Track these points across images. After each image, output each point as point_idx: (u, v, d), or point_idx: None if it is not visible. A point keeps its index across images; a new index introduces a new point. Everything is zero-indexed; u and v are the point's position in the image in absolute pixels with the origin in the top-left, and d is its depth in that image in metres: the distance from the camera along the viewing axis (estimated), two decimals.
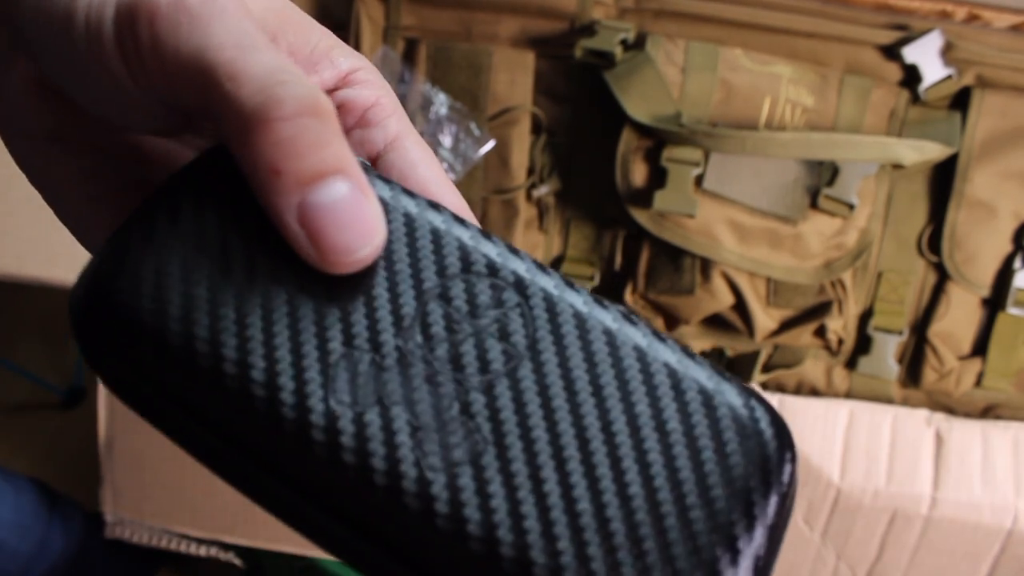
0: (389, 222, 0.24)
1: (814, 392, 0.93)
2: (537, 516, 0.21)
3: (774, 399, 0.87)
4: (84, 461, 1.02)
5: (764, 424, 0.22)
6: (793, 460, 0.22)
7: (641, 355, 0.23)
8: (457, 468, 0.21)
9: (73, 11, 0.24)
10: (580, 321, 0.23)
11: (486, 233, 0.24)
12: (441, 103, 0.90)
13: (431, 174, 0.28)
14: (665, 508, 0.21)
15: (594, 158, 0.90)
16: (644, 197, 0.87)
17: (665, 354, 0.23)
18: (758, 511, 0.21)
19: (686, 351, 0.23)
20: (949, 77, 0.86)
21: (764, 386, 0.91)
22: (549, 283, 0.24)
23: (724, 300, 0.90)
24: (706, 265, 0.89)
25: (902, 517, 0.84)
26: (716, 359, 0.93)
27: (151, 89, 0.24)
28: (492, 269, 0.23)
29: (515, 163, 0.90)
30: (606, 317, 0.23)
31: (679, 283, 0.90)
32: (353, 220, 0.22)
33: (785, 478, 0.22)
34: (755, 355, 0.90)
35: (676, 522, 0.21)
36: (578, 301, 0.23)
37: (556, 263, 0.94)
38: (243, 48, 0.23)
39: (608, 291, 0.93)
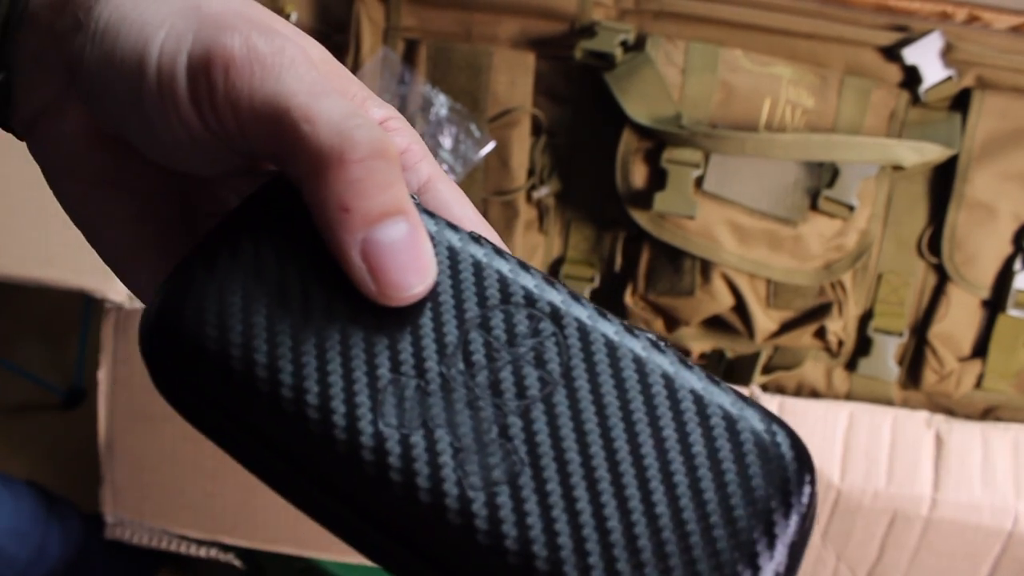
0: (435, 255, 0.26)
1: (814, 394, 0.93)
2: (569, 533, 0.22)
3: (774, 401, 0.87)
4: (84, 462, 1.02)
5: (785, 448, 0.23)
6: (812, 482, 0.23)
7: (668, 381, 0.24)
8: (496, 487, 0.23)
9: (145, 61, 0.25)
10: (611, 349, 0.24)
11: (524, 265, 0.26)
12: (441, 104, 0.90)
13: (464, 212, 0.30)
14: (690, 527, 0.22)
15: (594, 159, 0.90)
16: (644, 198, 0.87)
17: (691, 381, 0.24)
18: (779, 530, 0.23)
19: (711, 378, 0.25)
20: (949, 78, 0.86)
21: (764, 388, 0.92)
22: (583, 313, 0.25)
23: (724, 301, 0.90)
24: (706, 266, 0.89)
25: (902, 518, 0.84)
26: (716, 361, 0.93)
27: (221, 133, 0.26)
28: (530, 300, 0.25)
29: (515, 164, 0.91)
30: (635, 345, 0.25)
31: (679, 284, 0.90)
32: (410, 259, 0.24)
33: (805, 499, 0.23)
34: (755, 356, 0.91)
35: (700, 540, 0.22)
36: (610, 330, 0.25)
37: (556, 264, 0.94)
38: (315, 95, 0.25)
39: (608, 292, 0.93)
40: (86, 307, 1.31)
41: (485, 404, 0.24)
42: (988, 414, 0.93)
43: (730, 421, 0.24)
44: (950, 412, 0.92)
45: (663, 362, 0.24)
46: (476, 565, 0.22)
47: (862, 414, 0.86)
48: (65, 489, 1.07)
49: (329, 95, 0.25)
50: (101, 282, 0.86)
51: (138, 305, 0.85)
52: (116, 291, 0.86)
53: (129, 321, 0.87)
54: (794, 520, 0.23)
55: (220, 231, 0.26)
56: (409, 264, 0.24)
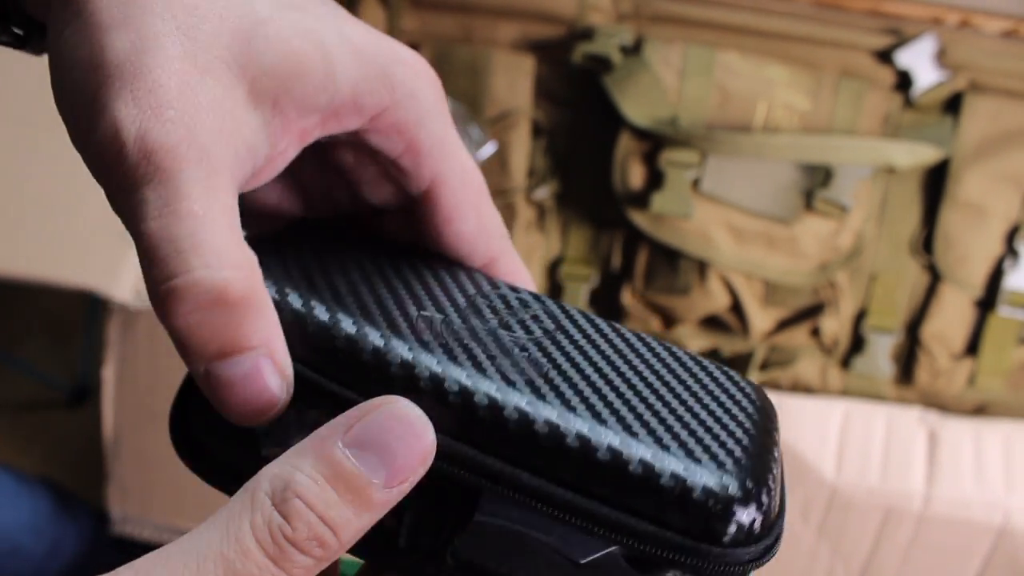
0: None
1: (809, 391, 0.94)
2: (602, 404, 0.26)
3: (771, 398, 0.88)
4: (90, 459, 1.03)
5: (750, 390, 0.30)
6: (774, 412, 0.30)
7: (640, 336, 0.30)
8: (533, 380, 0.27)
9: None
10: (588, 318, 0.30)
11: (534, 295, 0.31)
12: None
13: (465, 228, 0.30)
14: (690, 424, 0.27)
15: (593, 160, 0.92)
16: (642, 199, 0.88)
17: (657, 344, 0.30)
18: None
19: (667, 346, 0.30)
20: (942, 82, 0.87)
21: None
22: (554, 304, 0.30)
23: (720, 301, 0.91)
24: (703, 266, 0.90)
25: (895, 514, 0.85)
26: (713, 359, 0.94)
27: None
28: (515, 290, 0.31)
29: (515, 165, 0.92)
30: (602, 323, 0.30)
31: (676, 284, 0.91)
32: (248, 396, 0.24)
33: (774, 423, 0.30)
34: (751, 355, 0.92)
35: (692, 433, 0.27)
36: (577, 312, 0.30)
37: (555, 264, 0.95)
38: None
39: (606, 291, 0.94)
40: (92, 306, 1.33)
41: (502, 334, 0.28)
42: (980, 411, 0.94)
43: (700, 363, 0.30)
44: (943, 409, 0.94)
45: (628, 332, 0.30)
46: (523, 445, 0.25)
47: (856, 411, 0.88)
48: (71, 486, 1.09)
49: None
50: (107, 281, 0.87)
51: (143, 304, 0.86)
52: (121, 290, 0.87)
53: (134, 320, 0.88)
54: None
55: (266, 245, 0.29)
56: (246, 400, 0.24)
